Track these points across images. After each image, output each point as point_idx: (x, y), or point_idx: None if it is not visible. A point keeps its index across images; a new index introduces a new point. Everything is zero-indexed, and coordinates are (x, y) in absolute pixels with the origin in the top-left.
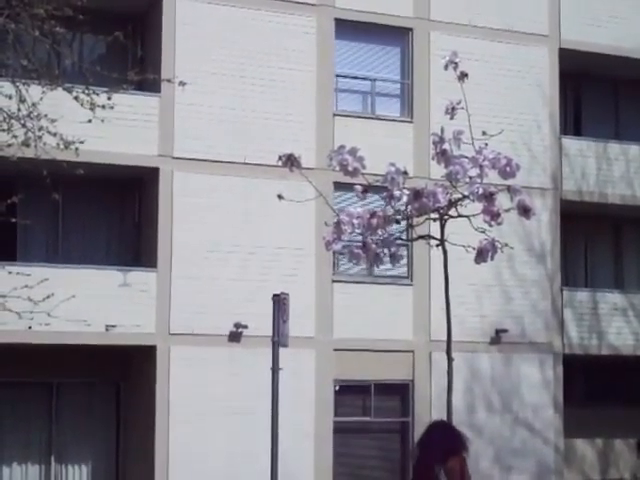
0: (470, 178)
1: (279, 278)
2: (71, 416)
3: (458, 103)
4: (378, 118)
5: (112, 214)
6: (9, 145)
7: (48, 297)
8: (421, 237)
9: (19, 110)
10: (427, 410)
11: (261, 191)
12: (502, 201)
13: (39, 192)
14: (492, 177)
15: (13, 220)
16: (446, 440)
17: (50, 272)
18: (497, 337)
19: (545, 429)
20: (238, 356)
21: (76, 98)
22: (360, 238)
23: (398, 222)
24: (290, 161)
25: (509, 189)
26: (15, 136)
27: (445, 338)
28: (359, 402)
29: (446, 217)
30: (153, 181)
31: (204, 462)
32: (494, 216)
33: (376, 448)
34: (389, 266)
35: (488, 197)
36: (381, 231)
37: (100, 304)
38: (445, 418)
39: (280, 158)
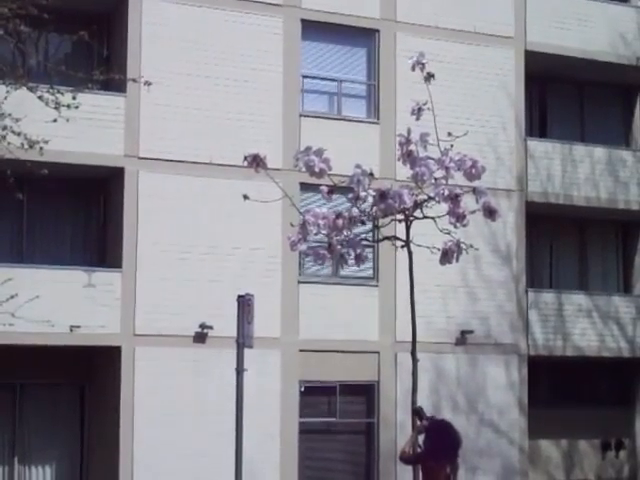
0: (436, 180)
1: (245, 279)
2: (35, 417)
3: (424, 104)
4: (344, 119)
5: (77, 214)
6: None
7: (12, 297)
8: (387, 238)
9: None
10: (392, 411)
11: (227, 192)
12: (468, 203)
13: (3, 192)
14: (458, 179)
15: None
16: (456, 441)
17: (14, 272)
18: (463, 338)
19: (510, 430)
20: (203, 357)
21: (40, 97)
22: (326, 239)
23: (364, 223)
24: (255, 161)
25: (474, 191)
26: None
27: (410, 339)
28: (324, 403)
29: (412, 218)
30: (118, 181)
31: (168, 463)
32: (459, 217)
33: (342, 449)
34: (355, 267)
35: (454, 199)
36: (346, 232)
37: (64, 305)
38: (411, 419)
39: (245, 158)
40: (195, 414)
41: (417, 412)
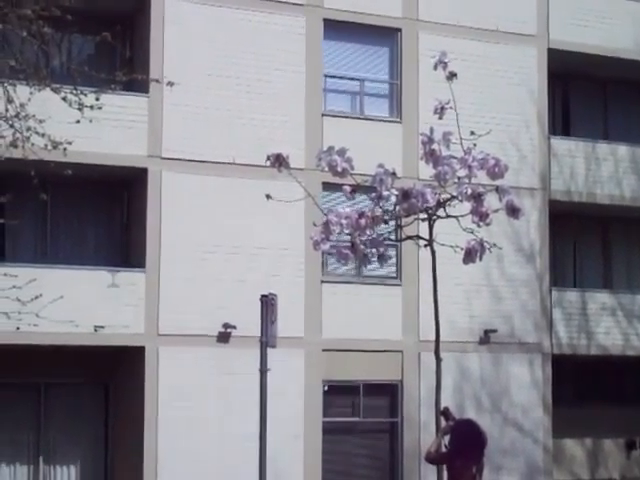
0: (459, 178)
1: (268, 278)
2: (59, 417)
3: (447, 103)
4: (367, 118)
5: (100, 214)
6: None
7: (36, 298)
8: (409, 237)
9: (7, 111)
10: (416, 410)
11: (249, 191)
12: (491, 201)
13: (27, 193)
14: (481, 177)
15: (1, 221)
16: (482, 441)
17: (38, 273)
18: (486, 337)
19: (534, 429)
20: (227, 357)
21: (64, 99)
22: (348, 238)
23: (386, 222)
24: (278, 161)
25: (497, 189)
26: (3, 137)
27: (434, 338)
28: (348, 402)
29: (435, 217)
30: (141, 181)
31: (192, 462)
32: (483, 216)
33: (365, 448)
34: (377, 266)
35: (476, 197)
36: (369, 231)
37: (88, 305)
38: (434, 418)
39: (268, 158)
40: (219, 413)
41: (444, 413)
